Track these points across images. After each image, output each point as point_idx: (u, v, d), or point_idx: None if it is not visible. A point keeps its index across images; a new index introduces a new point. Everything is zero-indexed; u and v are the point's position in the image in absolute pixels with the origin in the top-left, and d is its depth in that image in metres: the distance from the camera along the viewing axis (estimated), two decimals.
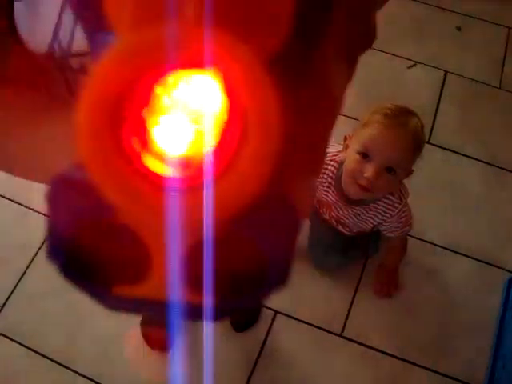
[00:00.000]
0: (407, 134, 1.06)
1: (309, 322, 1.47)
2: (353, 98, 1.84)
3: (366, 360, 1.43)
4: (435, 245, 1.61)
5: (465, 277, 1.56)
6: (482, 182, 1.73)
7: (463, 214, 1.67)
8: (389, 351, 1.44)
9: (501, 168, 1.77)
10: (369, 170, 1.08)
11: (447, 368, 1.42)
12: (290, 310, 1.48)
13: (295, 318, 1.47)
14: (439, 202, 1.68)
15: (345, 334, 1.45)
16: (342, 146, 1.24)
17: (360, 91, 1.89)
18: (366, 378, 1.41)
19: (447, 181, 1.73)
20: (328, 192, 1.31)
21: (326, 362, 1.41)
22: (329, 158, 1.27)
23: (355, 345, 1.44)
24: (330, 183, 1.29)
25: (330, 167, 1.27)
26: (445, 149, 1.80)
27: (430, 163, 1.72)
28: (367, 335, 1.46)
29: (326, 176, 1.28)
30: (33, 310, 1.47)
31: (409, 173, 1.17)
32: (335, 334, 1.45)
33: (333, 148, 1.29)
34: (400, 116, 1.07)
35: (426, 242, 1.61)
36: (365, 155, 1.10)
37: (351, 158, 1.14)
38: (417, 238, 1.60)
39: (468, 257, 1.59)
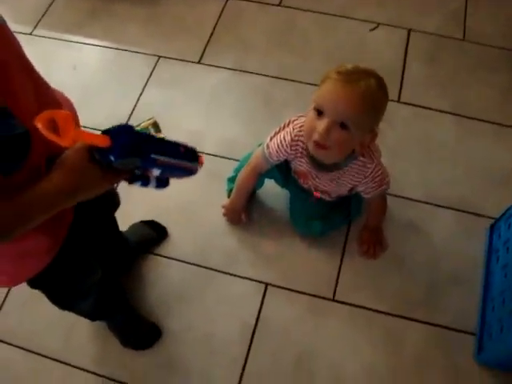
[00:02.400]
0: (358, 91, 1.04)
1: (300, 290, 1.48)
2: (318, 65, 1.85)
3: (360, 320, 1.44)
4: (415, 200, 1.61)
5: (447, 228, 1.57)
6: (455, 134, 1.74)
7: (439, 167, 1.67)
8: (380, 309, 1.45)
9: (471, 118, 1.77)
10: (320, 126, 1.09)
11: (440, 319, 1.43)
12: (280, 281, 1.48)
13: (287, 288, 1.47)
14: (415, 158, 1.69)
15: (336, 298, 1.46)
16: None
17: (325, 58, 1.90)
18: (362, 337, 1.42)
19: (420, 136, 1.74)
20: (302, 161, 1.32)
21: (321, 327, 1.42)
22: (298, 129, 1.26)
23: (347, 307, 1.45)
24: (302, 153, 1.29)
25: (301, 137, 1.26)
26: (415, 105, 1.80)
27: (401, 121, 1.76)
28: (358, 296, 1.47)
29: (299, 147, 1.28)
30: (28, 313, 1.47)
31: (373, 135, 1.16)
32: (327, 299, 1.46)
33: (301, 119, 1.28)
34: (353, 74, 1.06)
35: (405, 198, 1.62)
36: (319, 112, 1.10)
37: (308, 116, 1.14)
38: (397, 196, 1.61)
39: (448, 208, 1.60)
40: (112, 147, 0.70)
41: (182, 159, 0.82)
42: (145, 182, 0.80)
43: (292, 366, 1.39)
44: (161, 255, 1.53)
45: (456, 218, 1.58)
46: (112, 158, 0.71)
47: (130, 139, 0.72)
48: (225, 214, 1.56)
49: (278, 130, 1.36)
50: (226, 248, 1.54)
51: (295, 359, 1.39)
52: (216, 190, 1.63)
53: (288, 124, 1.33)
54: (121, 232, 1.39)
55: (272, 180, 1.53)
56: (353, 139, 1.12)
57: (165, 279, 1.49)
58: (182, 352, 1.40)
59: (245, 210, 1.54)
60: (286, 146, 1.28)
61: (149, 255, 1.53)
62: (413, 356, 1.39)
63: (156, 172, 0.78)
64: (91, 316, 1.33)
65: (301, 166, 1.33)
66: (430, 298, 1.47)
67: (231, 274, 1.50)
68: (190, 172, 0.86)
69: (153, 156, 0.75)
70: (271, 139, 1.33)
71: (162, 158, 0.77)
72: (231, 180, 1.58)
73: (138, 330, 1.40)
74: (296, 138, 1.26)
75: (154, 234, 1.54)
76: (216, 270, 1.50)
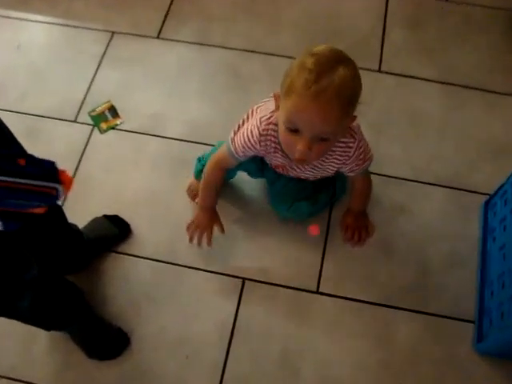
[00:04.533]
0: (331, 101, 0.91)
1: (281, 283, 1.36)
2: (290, 38, 1.70)
3: (348, 313, 1.33)
4: (402, 179, 1.50)
5: (438, 207, 1.46)
6: (442, 104, 1.62)
7: (427, 141, 1.56)
8: (369, 299, 1.35)
9: (459, 85, 1.66)
10: (300, 144, 0.99)
11: (433, 307, 1.34)
12: (258, 275, 1.37)
13: (266, 283, 1.36)
14: (399, 132, 1.57)
15: (321, 290, 1.35)
16: (273, 102, 1.10)
17: (296, 27, 1.75)
18: (350, 331, 1.31)
19: (404, 109, 1.62)
20: (277, 155, 1.19)
21: (305, 322, 1.32)
22: (265, 122, 1.14)
23: (333, 299, 1.34)
24: (275, 148, 1.17)
25: (270, 131, 1.14)
26: (397, 75, 1.68)
27: (383, 93, 1.63)
28: (344, 287, 1.36)
29: (269, 142, 1.15)
30: None
31: (352, 119, 1.05)
32: (311, 292, 1.35)
33: (267, 106, 1.16)
34: (322, 77, 0.90)
35: (392, 177, 1.50)
36: (294, 129, 0.99)
37: (281, 129, 1.03)
38: (382, 175, 1.50)
39: (438, 186, 1.49)
40: None
41: (23, 177, 0.56)
42: None
43: (276, 365, 1.28)
44: (126, 253, 1.40)
45: (447, 196, 1.47)
46: None
47: None
48: (188, 228, 1.38)
49: (241, 122, 1.23)
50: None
51: (279, 358, 1.29)
52: (183, 178, 1.50)
53: (252, 113, 1.20)
54: (70, 225, 1.27)
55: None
56: (335, 140, 1.06)
57: (131, 279, 1.37)
58: (154, 359, 1.28)
59: (216, 217, 1.36)
60: (254, 142, 1.15)
61: (112, 253, 1.40)
62: (406, 349, 1.29)
63: None
64: (36, 321, 1.18)
65: (276, 160, 1.22)
66: (422, 284, 1.37)
67: (204, 270, 1.38)
68: (46, 198, 0.60)
69: None
70: (235, 133, 1.19)
71: None
72: (201, 160, 1.44)
73: (103, 338, 1.29)
74: (264, 132, 1.13)
75: (115, 230, 1.41)
76: (187, 267, 1.39)
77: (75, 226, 1.31)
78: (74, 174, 1.51)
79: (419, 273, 1.38)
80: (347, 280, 1.37)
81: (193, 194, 1.46)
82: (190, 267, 1.38)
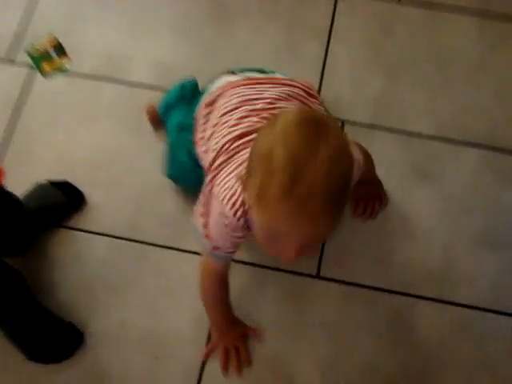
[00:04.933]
0: (323, 202, 0.71)
1: (270, 265, 1.20)
2: None
3: (354, 300, 1.18)
4: (426, 136, 1.32)
5: (469, 172, 1.29)
6: (477, 41, 1.43)
7: (457, 90, 1.39)
8: (381, 285, 1.18)
9: (499, 17, 1.46)
10: (288, 252, 0.79)
11: (459, 295, 1.17)
12: (242, 254, 1.19)
13: (252, 264, 1.21)
14: (422, 78, 1.40)
15: (322, 274, 1.20)
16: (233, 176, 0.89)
17: None
18: (359, 324, 1.15)
19: (430, 48, 1.44)
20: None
21: (302, 314, 1.16)
22: (229, 207, 0.88)
23: (337, 285, 1.18)
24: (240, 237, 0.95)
25: (240, 213, 0.88)
26: (421, 3, 1.48)
27: (403, 29, 1.46)
28: (349, 270, 1.20)
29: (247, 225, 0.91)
30: None
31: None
32: (311, 276, 1.19)
33: (226, 184, 0.90)
34: (302, 173, 0.69)
35: (413, 134, 1.32)
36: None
37: (258, 232, 0.81)
38: (400, 132, 1.32)
39: (470, 145, 1.31)
40: None
41: None
42: None
43: (267, 367, 1.13)
44: (77, 228, 1.26)
45: (481, 158, 1.30)
46: None
47: None
48: (207, 355, 1.13)
49: (199, 206, 0.98)
50: (166, 214, 1.27)
51: (271, 359, 1.13)
52: (150, 133, 1.33)
53: (210, 190, 0.95)
54: (8, 193, 1.17)
55: None
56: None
57: (84, 261, 1.24)
58: (114, 361, 1.14)
59: (241, 325, 1.14)
60: (235, 236, 0.94)
61: (60, 229, 1.26)
62: (429, 347, 1.13)
63: None
64: None
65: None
66: (449, 268, 1.20)
67: (175, 249, 1.23)
68: None
69: None
70: (207, 229, 0.96)
71: None
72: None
73: (49, 335, 1.15)
74: (240, 222, 0.90)
75: (64, 199, 1.26)
76: (154, 245, 1.24)
77: (14, 195, 1.18)
78: (9, 129, 1.35)
79: (443, 252, 1.22)
80: (351, 262, 1.21)
81: (152, 116, 1.31)
82: (158, 245, 1.23)
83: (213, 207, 0.93)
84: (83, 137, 1.34)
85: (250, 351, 1.12)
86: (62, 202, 1.25)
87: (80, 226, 1.25)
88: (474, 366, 1.12)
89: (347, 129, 1.29)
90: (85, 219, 1.26)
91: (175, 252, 1.21)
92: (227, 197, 0.87)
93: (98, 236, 1.24)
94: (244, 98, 0.96)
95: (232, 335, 1.11)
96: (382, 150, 1.26)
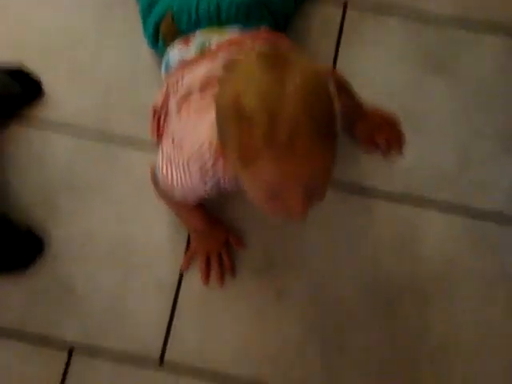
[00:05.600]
0: (310, 135, 0.68)
1: None
2: None
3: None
4: (442, 22, 1.10)
5: (490, 64, 1.09)
6: None
7: None
8: (388, 188, 1.03)
9: None
10: (295, 206, 0.75)
11: (476, 205, 1.01)
12: None
13: None
14: None
15: None
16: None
17: None
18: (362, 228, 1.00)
19: None
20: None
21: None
22: (195, 158, 0.84)
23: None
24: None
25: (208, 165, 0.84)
26: None
27: None
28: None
29: (217, 173, 0.86)
30: None
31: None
32: None
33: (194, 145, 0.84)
34: (276, 114, 0.66)
35: (423, 16, 1.10)
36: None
37: (257, 196, 0.77)
38: (411, 14, 1.09)
39: (492, 31, 1.09)
40: None
41: None
42: None
43: (252, 279, 0.99)
44: (35, 124, 1.09)
45: (507, 48, 1.09)
46: None
47: None
48: (186, 261, 1.02)
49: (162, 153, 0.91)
50: (139, 106, 1.08)
51: (257, 270, 1.00)
52: (120, 8, 1.13)
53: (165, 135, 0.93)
54: None
55: None
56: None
57: (44, 161, 1.09)
58: (78, 273, 1.01)
59: (223, 227, 1.03)
60: (199, 188, 0.88)
61: (14, 124, 1.10)
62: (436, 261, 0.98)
63: None
64: None
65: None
66: (463, 171, 1.03)
67: (147, 149, 1.05)
68: None
69: None
70: (168, 174, 0.89)
71: None
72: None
73: (6, 242, 1.03)
74: (206, 173, 0.85)
75: (17, 88, 1.10)
76: (126, 144, 1.07)
77: None
78: None
79: (460, 157, 1.05)
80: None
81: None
82: (130, 144, 1.06)
83: (173, 169, 0.87)
84: (40, 13, 1.16)
85: (234, 261, 0.98)
86: (14, 91, 1.09)
87: (37, 121, 1.09)
88: (488, 278, 0.98)
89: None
90: (43, 112, 1.10)
91: (150, 154, 1.02)
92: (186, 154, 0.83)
93: (58, 132, 1.08)
94: None
95: (214, 239, 0.99)
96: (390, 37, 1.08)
